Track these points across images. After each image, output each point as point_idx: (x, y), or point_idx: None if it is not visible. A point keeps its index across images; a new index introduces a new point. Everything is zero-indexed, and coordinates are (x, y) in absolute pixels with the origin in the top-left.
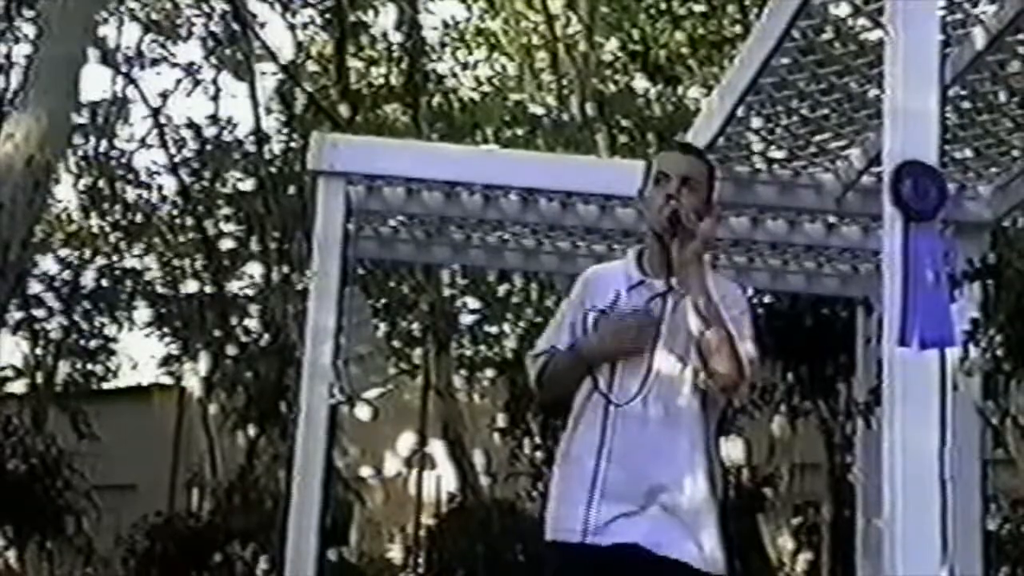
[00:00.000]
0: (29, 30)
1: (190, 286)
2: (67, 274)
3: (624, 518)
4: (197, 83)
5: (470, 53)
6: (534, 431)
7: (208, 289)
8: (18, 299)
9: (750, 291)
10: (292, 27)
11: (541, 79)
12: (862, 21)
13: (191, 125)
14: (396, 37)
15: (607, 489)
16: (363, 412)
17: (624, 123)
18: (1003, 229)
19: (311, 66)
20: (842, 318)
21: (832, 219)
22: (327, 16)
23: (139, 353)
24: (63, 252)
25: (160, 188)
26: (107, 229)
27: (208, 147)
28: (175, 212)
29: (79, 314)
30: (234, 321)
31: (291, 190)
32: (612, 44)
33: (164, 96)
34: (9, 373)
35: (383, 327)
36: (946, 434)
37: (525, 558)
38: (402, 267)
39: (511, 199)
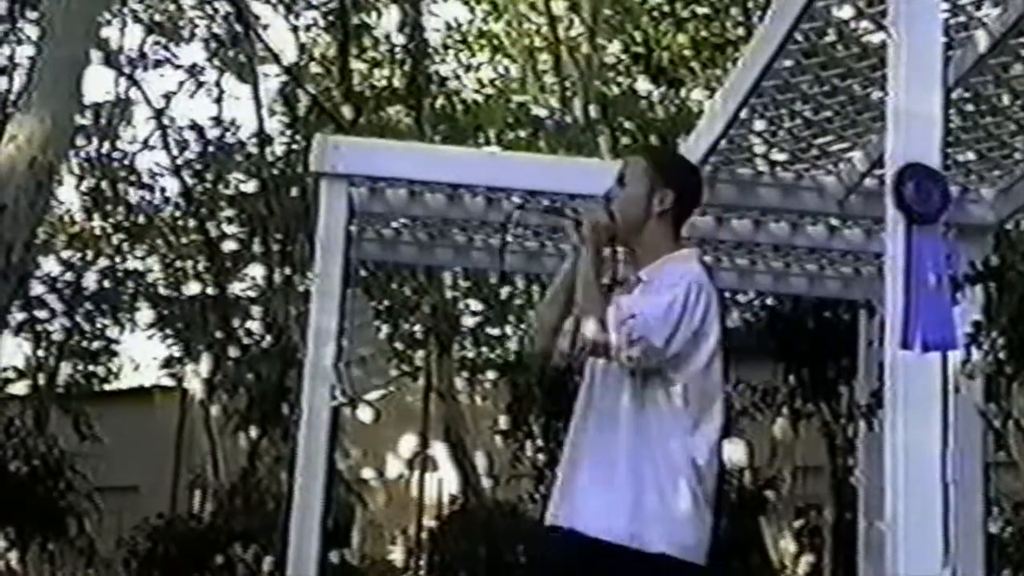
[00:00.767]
0: (32, 32)
1: (192, 288)
2: (69, 275)
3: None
4: (200, 85)
5: (473, 55)
6: (536, 433)
7: (210, 291)
8: (20, 300)
9: (751, 293)
10: (295, 29)
11: (544, 81)
12: (865, 24)
13: (194, 127)
14: (399, 39)
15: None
16: (365, 414)
17: (627, 125)
18: (1006, 232)
19: (314, 68)
20: (844, 321)
21: (835, 222)
22: (330, 18)
23: (141, 355)
24: (66, 253)
25: (163, 190)
26: (109, 231)
27: (211, 149)
28: (178, 214)
29: (81, 315)
30: (236, 323)
31: (294, 192)
32: (615, 46)
33: (167, 98)
34: (11, 374)
35: (385, 329)
36: (948, 437)
37: (527, 560)
38: (404, 269)
39: (514, 201)
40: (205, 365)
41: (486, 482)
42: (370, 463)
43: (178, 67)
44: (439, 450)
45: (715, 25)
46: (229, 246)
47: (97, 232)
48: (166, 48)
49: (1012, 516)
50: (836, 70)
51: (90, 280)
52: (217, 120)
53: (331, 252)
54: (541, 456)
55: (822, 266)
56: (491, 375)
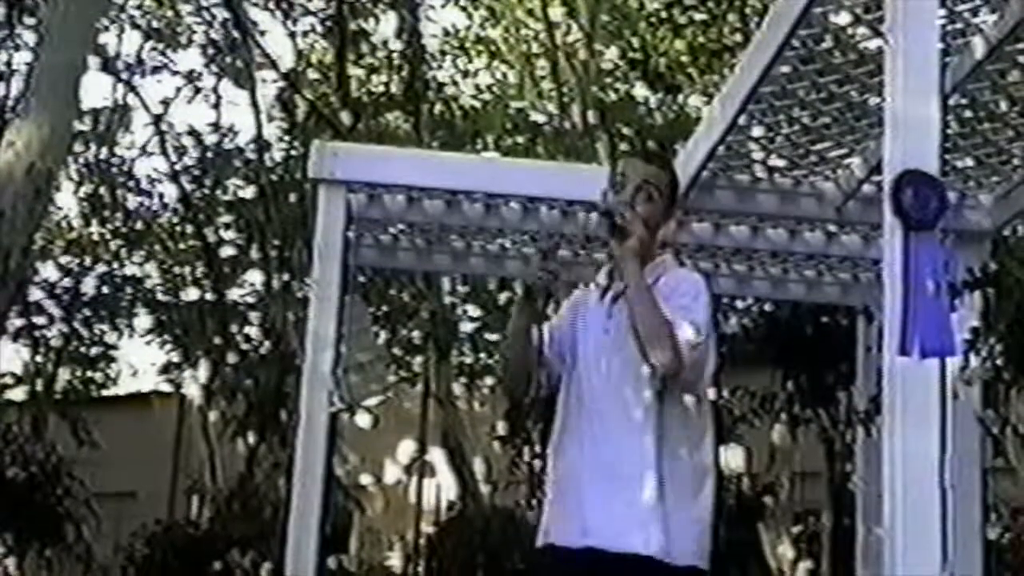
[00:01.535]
0: (30, 38)
1: (190, 293)
2: (68, 281)
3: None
4: (198, 91)
5: (471, 61)
6: (534, 439)
7: (208, 296)
8: (19, 306)
9: (750, 299)
10: (293, 35)
11: (542, 87)
12: (862, 30)
13: (192, 133)
14: (397, 45)
15: None
16: (363, 420)
17: (625, 131)
18: (1004, 238)
19: (312, 74)
20: (842, 327)
21: (833, 228)
22: (328, 24)
23: (139, 360)
24: (64, 259)
25: (161, 195)
26: (108, 236)
27: (209, 155)
28: (176, 219)
29: (79, 321)
30: (234, 329)
31: (292, 198)
32: (612, 52)
33: (165, 104)
34: (9, 380)
35: (383, 335)
36: (946, 443)
37: (524, 566)
38: (403, 275)
39: (512, 207)
40: (203, 371)
41: (484, 488)
42: (368, 469)
43: (176, 73)
44: (437, 456)
45: (712, 31)
46: (227, 252)
47: (95, 238)
48: (164, 54)
49: (1010, 522)
50: (834, 76)
51: (88, 286)
52: (215, 126)
53: (329, 258)
54: (539, 462)
55: (820, 272)
56: (489, 381)
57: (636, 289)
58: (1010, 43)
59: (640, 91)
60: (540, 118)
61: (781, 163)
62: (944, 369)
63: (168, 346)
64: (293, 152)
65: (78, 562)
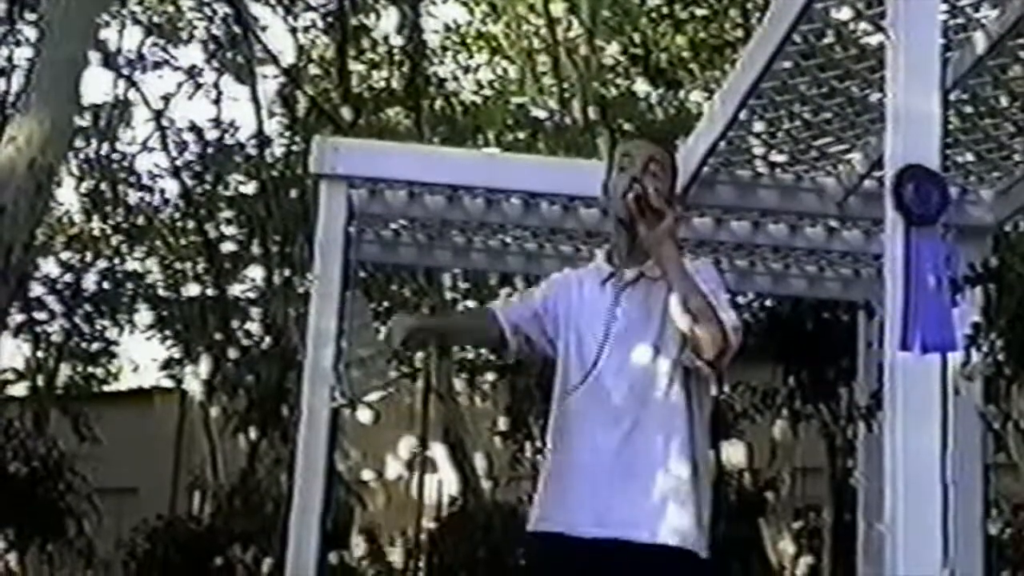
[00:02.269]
0: (31, 33)
1: (192, 289)
2: (69, 277)
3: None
4: (199, 86)
5: (471, 57)
6: (535, 434)
7: (210, 292)
8: (20, 302)
9: (751, 295)
10: (294, 30)
11: (543, 83)
12: (864, 25)
13: (193, 128)
14: (398, 40)
15: None
16: (364, 415)
17: (626, 127)
18: (1005, 233)
19: (313, 69)
20: (843, 322)
21: (834, 223)
22: (329, 19)
23: (140, 356)
24: (65, 255)
25: (162, 191)
26: (109, 232)
27: (210, 150)
28: (177, 215)
29: (80, 317)
30: (235, 324)
31: (293, 193)
32: (614, 48)
33: (166, 99)
34: (10, 376)
35: (384, 330)
36: (947, 438)
37: (526, 562)
38: (404, 270)
39: (513, 202)
40: (204, 366)
41: (486, 483)
42: (369, 464)
43: (177, 69)
44: (438, 451)
45: (714, 27)
46: (228, 247)
47: (96, 233)
48: (165, 50)
49: (1011, 517)
50: (835, 71)
51: (89, 281)
52: (216, 121)
53: (330, 253)
54: (540, 457)
55: (821, 267)
56: (490, 376)
57: (680, 271)
58: (1011, 38)
59: (641, 87)
60: (541, 114)
61: (782, 158)
62: (945, 364)
63: (169, 342)
64: (294, 148)
65: (79, 557)
